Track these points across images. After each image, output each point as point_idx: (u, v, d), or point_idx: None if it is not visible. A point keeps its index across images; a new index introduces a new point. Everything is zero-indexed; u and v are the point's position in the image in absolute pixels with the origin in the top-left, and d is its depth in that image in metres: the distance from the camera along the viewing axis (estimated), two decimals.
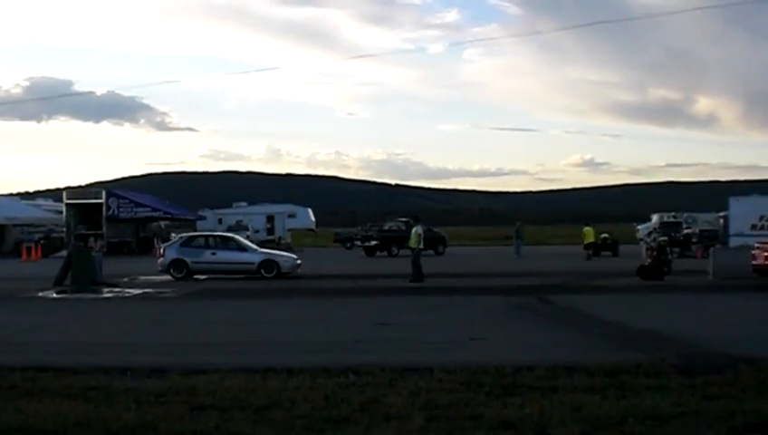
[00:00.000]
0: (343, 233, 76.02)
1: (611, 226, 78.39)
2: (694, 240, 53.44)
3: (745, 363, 11.86)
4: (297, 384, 10.78)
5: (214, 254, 34.11)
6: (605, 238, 53.44)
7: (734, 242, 43.46)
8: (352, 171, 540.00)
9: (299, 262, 34.84)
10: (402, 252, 50.61)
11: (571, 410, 9.28)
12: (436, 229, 59.51)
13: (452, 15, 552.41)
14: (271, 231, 70.40)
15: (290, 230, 73.27)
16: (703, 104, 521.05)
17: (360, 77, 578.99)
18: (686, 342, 14.87)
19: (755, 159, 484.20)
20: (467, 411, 9.30)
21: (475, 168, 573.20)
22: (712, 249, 34.71)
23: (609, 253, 52.27)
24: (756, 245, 30.02)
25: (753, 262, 29.19)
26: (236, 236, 38.13)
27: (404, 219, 57.47)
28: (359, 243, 62.26)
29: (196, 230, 57.20)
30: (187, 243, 35.21)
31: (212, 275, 33.73)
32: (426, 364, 11.98)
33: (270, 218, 71.67)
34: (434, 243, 54.57)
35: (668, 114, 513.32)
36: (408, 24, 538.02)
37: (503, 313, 20.92)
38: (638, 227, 74.24)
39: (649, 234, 59.29)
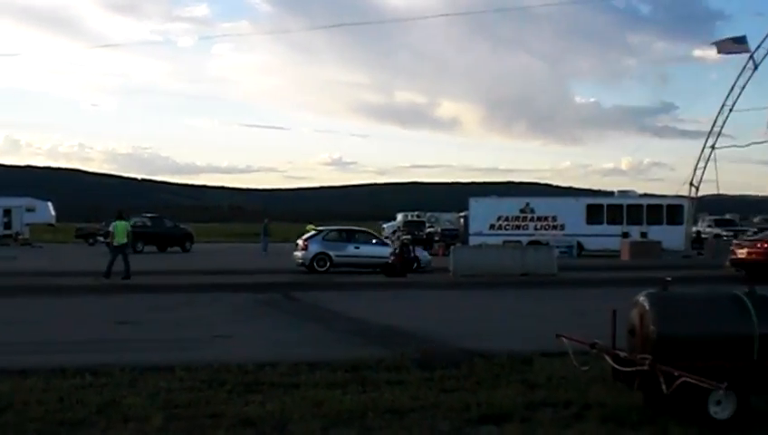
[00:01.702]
0: (86, 228, 73.20)
1: (359, 224, 79.78)
2: (436, 239, 55.23)
3: (480, 357, 12.33)
4: (31, 386, 10.29)
5: None
6: None
7: (473, 241, 45.44)
8: (96, 164, 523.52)
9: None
10: (147, 248, 49.56)
11: (313, 405, 9.31)
12: (183, 226, 58.46)
13: (201, 9, 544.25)
14: (8, 226, 66.90)
15: (28, 225, 69.83)
16: (447, 108, 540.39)
17: (107, 68, 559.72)
18: (425, 337, 15.27)
19: (495, 161, 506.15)
20: (208, 410, 9.15)
21: (225, 164, 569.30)
22: (452, 248, 35.95)
23: None
24: (734, 242, 33.79)
25: (731, 257, 31.94)
26: None
27: (150, 215, 56.06)
28: (102, 239, 60.17)
29: None
30: None
31: None
32: (167, 363, 11.73)
33: (7, 212, 68.00)
34: (181, 239, 53.79)
35: (414, 116, 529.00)
36: (157, 15, 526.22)
37: (248, 310, 20.76)
38: (384, 225, 76.06)
39: (394, 232, 60.83)
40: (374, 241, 36.09)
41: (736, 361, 8.80)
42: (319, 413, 9.01)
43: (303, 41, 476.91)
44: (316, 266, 33.98)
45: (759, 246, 30.96)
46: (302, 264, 34.56)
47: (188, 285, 27.07)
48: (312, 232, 36.91)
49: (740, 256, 31.46)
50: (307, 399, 9.65)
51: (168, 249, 52.38)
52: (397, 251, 32.91)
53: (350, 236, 35.95)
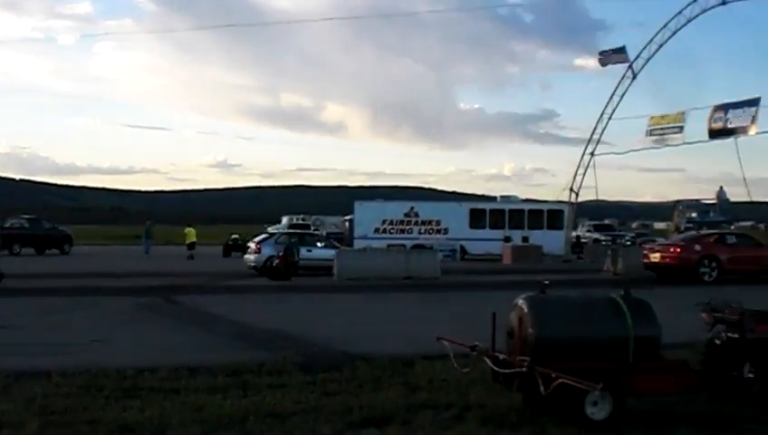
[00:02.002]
0: None
1: (244, 227, 79.15)
2: None
3: (363, 361, 12.37)
4: None
5: None
6: (235, 239, 53.80)
7: (358, 244, 45.56)
8: None
9: None
10: (24, 250, 48.22)
11: (193, 410, 9.21)
12: (61, 228, 57.00)
13: (84, 7, 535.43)
14: None
15: None
16: (333, 111, 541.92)
17: None
18: (308, 340, 15.24)
19: (380, 165, 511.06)
20: (85, 416, 8.98)
21: (106, 165, 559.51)
22: (337, 251, 35.93)
23: (239, 254, 52.64)
24: (646, 246, 34.99)
25: (645, 261, 32.93)
26: None
27: (27, 217, 54.44)
28: None
29: None
30: None
31: None
32: (43, 369, 11.45)
33: None
34: (59, 242, 52.50)
35: (300, 119, 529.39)
36: (39, 12, 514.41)
37: (128, 314, 20.38)
38: (269, 228, 75.49)
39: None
40: (323, 244, 36.58)
41: (612, 362, 9.03)
42: (199, 418, 8.91)
43: (189, 41, 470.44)
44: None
45: (672, 250, 32.14)
46: (255, 267, 34.42)
47: (67, 289, 26.33)
48: (264, 235, 37.52)
49: (653, 260, 32.55)
50: (187, 404, 9.53)
51: (47, 252, 50.97)
52: (281, 254, 32.72)
53: (301, 240, 36.11)
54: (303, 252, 34.59)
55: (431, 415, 9.21)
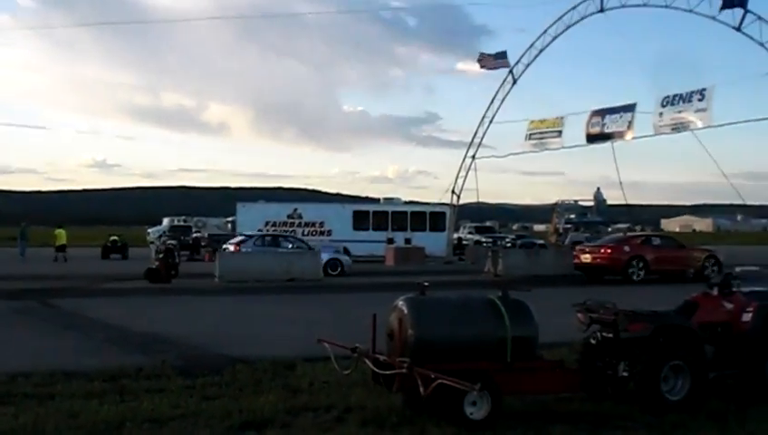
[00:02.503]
0: None
1: (124, 228, 77.79)
2: (203, 244, 54.53)
3: (243, 364, 12.29)
4: None
5: None
6: (114, 241, 52.80)
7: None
8: None
9: None
10: None
11: (68, 416, 9.03)
12: None
13: None
14: None
15: None
16: (216, 111, 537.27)
17: None
18: (188, 344, 15.07)
19: (264, 167, 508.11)
20: None
21: None
22: (219, 253, 35.63)
23: (118, 256, 51.71)
24: (577, 248, 36.43)
25: (575, 261, 34.60)
26: None
27: None
28: None
29: None
30: None
31: None
32: None
33: None
34: None
35: (182, 119, 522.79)
36: None
37: (1, 318, 19.81)
38: (150, 230, 74.29)
39: (160, 237, 59.54)
40: (299, 246, 37.32)
41: (490, 362, 9.17)
42: (74, 425, 8.73)
43: (68, 38, 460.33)
44: None
45: (603, 251, 33.78)
46: None
47: None
48: (242, 237, 38.57)
49: (584, 261, 34.13)
50: (62, 410, 9.32)
51: None
52: (161, 256, 32.24)
53: (277, 242, 37.44)
54: None
55: (312, 417, 9.22)
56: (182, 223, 69.19)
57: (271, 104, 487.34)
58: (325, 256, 36.07)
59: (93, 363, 12.34)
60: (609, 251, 33.51)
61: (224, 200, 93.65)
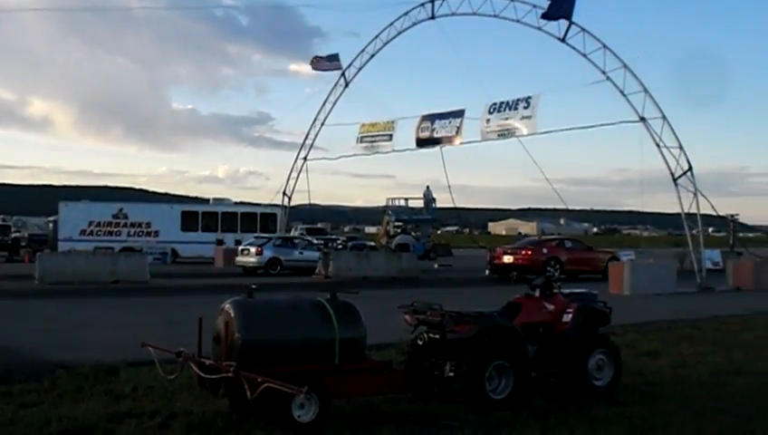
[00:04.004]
0: None
1: None
2: (23, 244, 52.62)
3: (64, 369, 11.85)
4: None
5: None
6: None
7: (63, 247, 43.70)
8: None
9: None
10: None
11: None
12: None
13: None
14: None
15: None
16: (38, 107, 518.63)
17: None
18: (4, 349, 14.46)
19: (88, 165, 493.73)
20: None
21: None
22: (39, 254, 34.42)
23: None
24: (495, 249, 38.60)
25: (495, 262, 37.23)
26: None
27: None
28: None
29: None
30: None
31: None
32: None
33: None
34: None
35: (2, 114, 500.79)
36: None
37: None
38: None
39: None
40: (308, 247, 41.32)
41: (318, 365, 9.15)
42: None
43: None
44: (269, 270, 38.42)
45: (523, 253, 36.60)
46: (256, 267, 38.64)
47: None
48: (263, 239, 41.14)
49: (506, 262, 36.51)
50: None
51: None
52: None
53: (293, 243, 41.75)
54: (295, 254, 39.97)
55: (135, 424, 8.99)
56: (1, 222, 66.46)
57: (97, 101, 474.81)
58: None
59: None
60: (529, 253, 36.34)
61: (46, 199, 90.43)
